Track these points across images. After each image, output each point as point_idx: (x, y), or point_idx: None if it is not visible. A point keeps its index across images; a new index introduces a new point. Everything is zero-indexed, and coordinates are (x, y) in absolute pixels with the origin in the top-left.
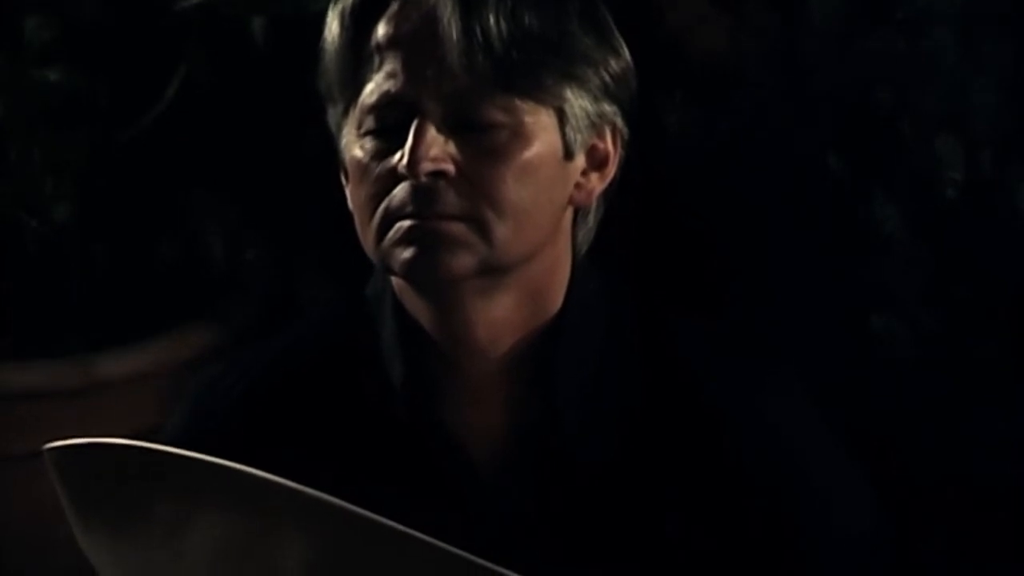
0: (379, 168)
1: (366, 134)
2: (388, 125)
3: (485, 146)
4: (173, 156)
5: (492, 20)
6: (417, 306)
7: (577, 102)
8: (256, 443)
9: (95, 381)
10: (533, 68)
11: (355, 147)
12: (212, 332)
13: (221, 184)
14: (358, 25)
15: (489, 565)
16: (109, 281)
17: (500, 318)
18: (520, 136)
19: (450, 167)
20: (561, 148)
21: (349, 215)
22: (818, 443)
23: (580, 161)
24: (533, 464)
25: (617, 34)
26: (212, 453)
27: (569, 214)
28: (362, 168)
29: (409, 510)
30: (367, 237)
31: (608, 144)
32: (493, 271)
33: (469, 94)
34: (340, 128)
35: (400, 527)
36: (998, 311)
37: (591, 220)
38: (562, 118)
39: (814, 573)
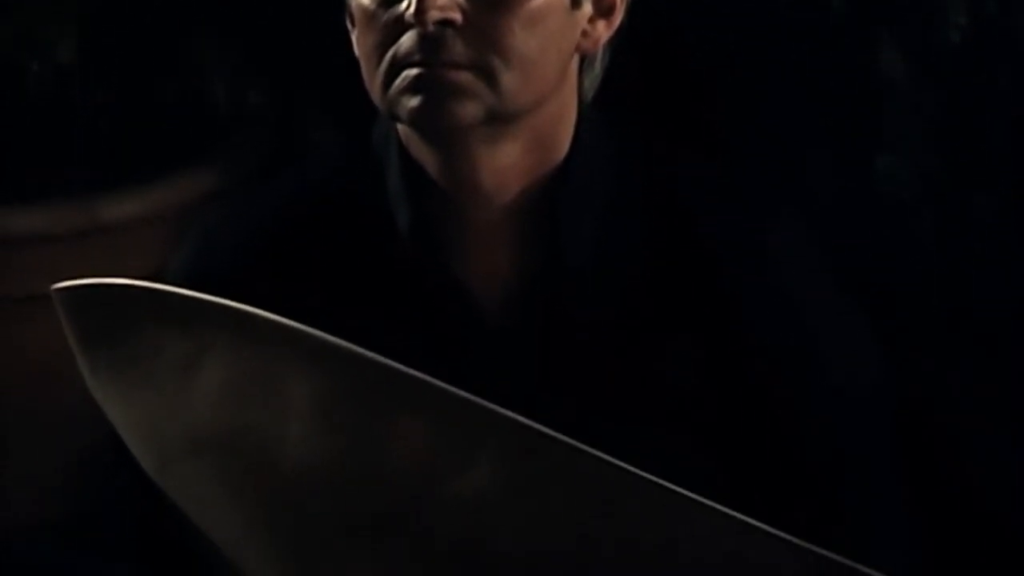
0: (386, 16)
1: None
2: None
3: None
4: None
5: None
6: (423, 153)
7: None
8: (259, 286)
9: (97, 224)
10: None
11: None
12: (215, 175)
13: (224, 25)
14: None
15: (490, 406)
16: (111, 124)
17: (506, 166)
18: None
19: (457, 15)
20: None
21: (354, 58)
22: (820, 288)
23: (587, 9)
24: (538, 310)
25: None
26: (217, 294)
27: (576, 62)
28: (369, 15)
29: (414, 355)
30: (373, 85)
31: None
32: (500, 119)
33: None
34: None
35: (405, 368)
36: (1001, 154)
37: (597, 68)
38: None
39: (815, 418)
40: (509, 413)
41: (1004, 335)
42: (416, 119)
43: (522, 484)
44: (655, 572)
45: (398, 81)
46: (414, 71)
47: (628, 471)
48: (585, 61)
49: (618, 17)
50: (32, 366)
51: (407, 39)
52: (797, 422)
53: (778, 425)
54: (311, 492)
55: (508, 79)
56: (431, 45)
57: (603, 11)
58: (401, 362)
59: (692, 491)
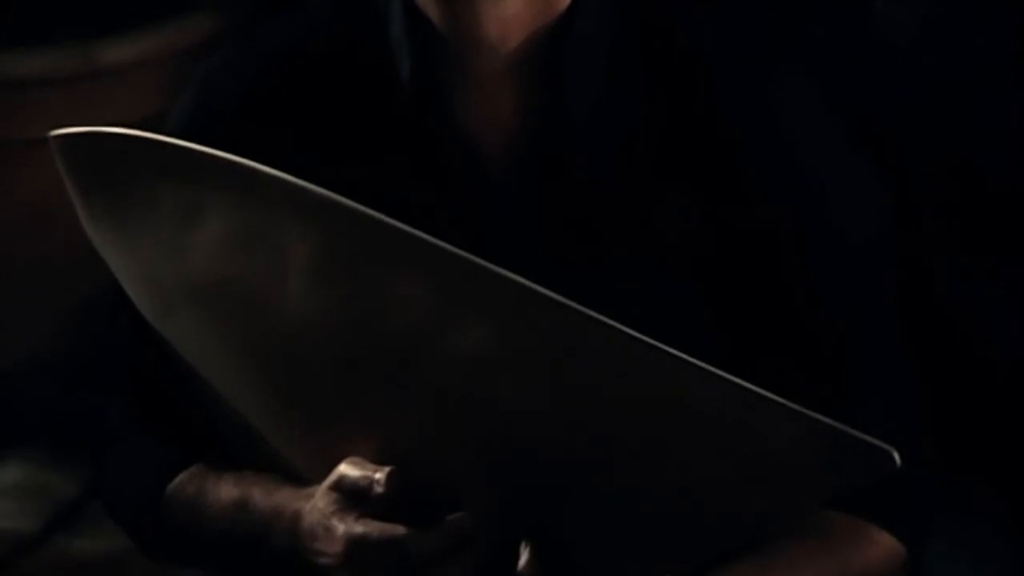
0: None
1: None
2: None
3: None
4: None
5: None
6: (425, 2)
7: None
8: (262, 135)
9: (96, 68)
10: None
11: None
12: (214, 19)
13: None
14: None
15: (487, 264)
16: None
17: (510, 15)
18: None
19: None
20: None
21: None
22: (823, 136)
23: None
24: (541, 160)
25: None
26: (218, 143)
27: None
28: None
29: (414, 204)
30: None
31: None
32: None
33: None
34: None
35: (403, 225)
36: None
37: None
38: None
39: (816, 266)
40: (506, 272)
41: (1002, 179)
42: None
43: (522, 342)
44: (655, 431)
45: None
46: None
47: (625, 332)
48: None
49: None
50: (31, 210)
51: None
52: (798, 270)
53: (779, 274)
54: (310, 344)
55: None
56: None
57: None
58: (401, 211)
59: (691, 345)
